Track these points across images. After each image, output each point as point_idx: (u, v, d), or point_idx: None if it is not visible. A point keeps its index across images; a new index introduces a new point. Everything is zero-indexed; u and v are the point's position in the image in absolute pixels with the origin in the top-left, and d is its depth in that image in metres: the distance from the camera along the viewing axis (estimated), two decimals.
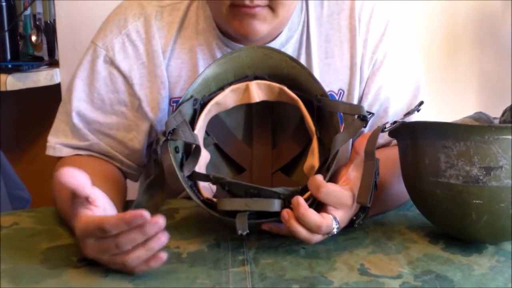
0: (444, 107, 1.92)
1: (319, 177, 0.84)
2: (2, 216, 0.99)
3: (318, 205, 0.85)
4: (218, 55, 1.08)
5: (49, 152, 1.10)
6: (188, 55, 1.08)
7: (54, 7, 1.93)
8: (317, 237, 0.84)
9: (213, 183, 0.90)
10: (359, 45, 1.09)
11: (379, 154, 0.87)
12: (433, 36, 2.07)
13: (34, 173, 2.16)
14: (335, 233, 0.84)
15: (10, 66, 2.03)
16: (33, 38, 2.20)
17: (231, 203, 0.85)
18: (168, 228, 0.93)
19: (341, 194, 0.84)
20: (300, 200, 0.82)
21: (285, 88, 0.97)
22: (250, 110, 1.06)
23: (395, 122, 0.88)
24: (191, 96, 0.94)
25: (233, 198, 0.86)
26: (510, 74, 2.07)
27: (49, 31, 2.16)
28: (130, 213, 0.74)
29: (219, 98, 0.97)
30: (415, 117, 0.95)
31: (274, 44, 1.07)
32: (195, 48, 1.09)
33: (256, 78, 0.98)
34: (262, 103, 1.00)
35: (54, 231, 0.93)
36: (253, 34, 1.01)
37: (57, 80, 1.95)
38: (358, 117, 0.89)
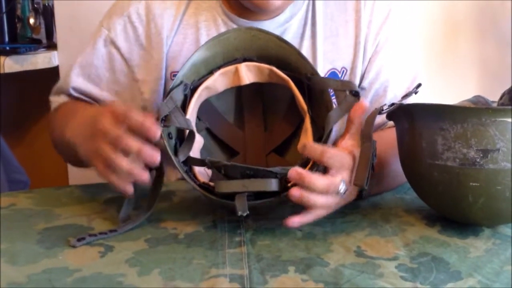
0: (444, 93, 1.91)
1: (319, 145, 0.84)
2: (0, 197, 0.99)
3: None
4: (223, 30, 1.09)
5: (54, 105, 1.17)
6: (190, 31, 1.11)
7: None
8: (332, 199, 0.83)
9: (209, 167, 0.89)
10: (364, 25, 1.12)
11: (377, 136, 0.88)
12: (434, 23, 2.07)
13: (32, 156, 2.16)
14: (342, 192, 0.83)
15: (8, 48, 2.03)
16: (31, 20, 2.20)
17: (229, 185, 0.84)
18: (166, 210, 0.94)
19: (343, 157, 0.85)
20: (300, 170, 0.82)
21: (275, 69, 0.96)
22: (240, 94, 1.06)
23: (392, 104, 0.88)
24: (181, 82, 0.92)
25: (230, 180, 0.86)
26: (509, 60, 2.07)
27: (47, 14, 2.16)
28: (148, 121, 0.80)
29: (209, 82, 0.96)
30: (413, 100, 0.95)
31: (279, 20, 1.10)
32: (199, 24, 1.11)
33: (245, 60, 0.98)
34: (252, 86, 1.00)
35: (51, 212, 0.93)
36: (269, 5, 1.04)
37: (55, 62, 1.95)
38: (350, 92, 0.89)
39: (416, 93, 0.92)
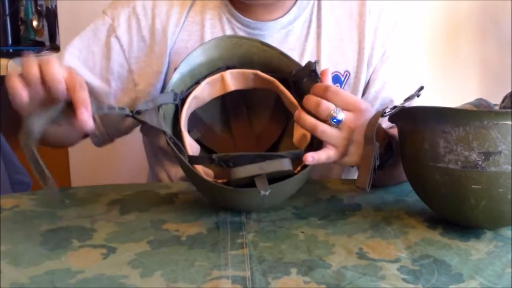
0: (446, 95, 1.92)
1: (322, 84, 0.90)
2: (3, 199, 0.99)
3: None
4: (227, 28, 1.11)
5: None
6: (195, 28, 1.12)
7: None
8: (321, 125, 0.88)
9: (216, 164, 0.89)
10: (369, 32, 1.12)
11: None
12: (435, 24, 2.07)
13: None
14: (338, 117, 0.88)
15: (11, 50, 2.04)
16: (34, 23, 2.21)
17: (245, 169, 0.85)
18: (168, 212, 0.95)
19: (350, 97, 0.89)
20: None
21: (259, 72, 0.99)
22: (224, 103, 1.08)
23: (395, 107, 0.88)
24: (171, 90, 0.94)
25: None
26: (510, 61, 2.07)
27: (50, 16, 2.17)
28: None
29: (197, 92, 0.97)
30: (415, 103, 0.95)
31: (282, 22, 1.11)
32: (205, 22, 1.12)
33: (228, 68, 1.00)
34: (235, 93, 1.01)
35: (54, 213, 0.94)
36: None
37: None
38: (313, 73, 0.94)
39: (418, 96, 0.92)
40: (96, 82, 1.12)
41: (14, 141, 1.99)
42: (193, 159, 0.90)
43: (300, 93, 0.97)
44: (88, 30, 1.14)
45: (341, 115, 0.88)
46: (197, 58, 0.97)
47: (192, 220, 0.91)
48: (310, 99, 0.89)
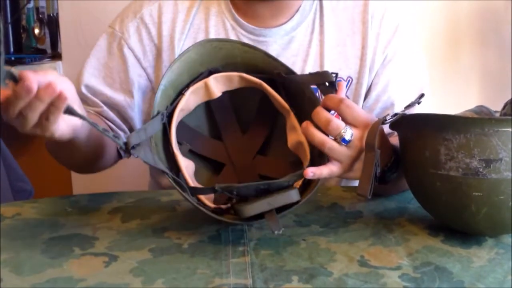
0: (446, 103, 1.92)
1: (339, 95, 0.89)
2: (4, 207, 0.99)
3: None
4: (231, 35, 1.12)
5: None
6: (200, 35, 1.13)
7: (57, 0, 1.94)
8: (330, 142, 0.87)
9: (220, 193, 0.87)
10: (371, 38, 1.13)
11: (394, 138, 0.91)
12: (435, 32, 2.07)
13: (36, 165, 2.17)
14: (346, 138, 0.87)
15: (13, 58, 2.04)
16: (36, 31, 2.21)
17: (254, 207, 0.84)
18: (170, 219, 0.95)
19: (360, 113, 0.88)
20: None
21: (244, 74, 0.97)
22: (209, 105, 1.05)
23: (396, 114, 0.89)
24: (158, 112, 0.90)
25: (252, 201, 0.84)
26: (511, 69, 2.07)
27: (52, 24, 2.17)
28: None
29: (182, 104, 0.94)
30: (416, 110, 0.96)
31: (285, 28, 1.12)
32: (209, 29, 1.13)
33: (210, 72, 0.97)
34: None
35: (56, 221, 0.94)
36: None
37: (59, 72, 1.96)
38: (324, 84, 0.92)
39: (419, 103, 0.92)
40: (119, 97, 1.13)
41: (15, 148, 1.99)
42: (196, 191, 0.89)
43: (289, 94, 0.97)
44: (100, 48, 1.15)
45: (349, 135, 0.87)
46: (176, 69, 0.94)
47: (194, 228, 0.91)
48: (321, 115, 0.88)
